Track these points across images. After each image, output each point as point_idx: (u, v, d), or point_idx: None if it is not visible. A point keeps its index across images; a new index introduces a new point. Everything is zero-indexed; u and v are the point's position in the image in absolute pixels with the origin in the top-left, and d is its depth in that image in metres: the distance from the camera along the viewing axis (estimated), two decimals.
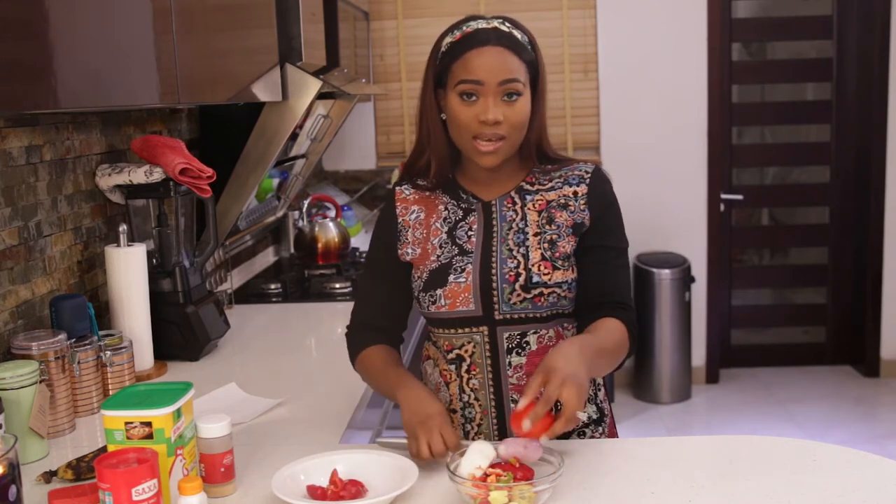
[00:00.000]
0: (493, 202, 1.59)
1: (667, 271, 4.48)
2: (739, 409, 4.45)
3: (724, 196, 4.71)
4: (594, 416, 1.63)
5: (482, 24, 1.52)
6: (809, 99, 4.84)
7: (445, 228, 1.60)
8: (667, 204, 4.64)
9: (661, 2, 4.50)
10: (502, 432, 1.58)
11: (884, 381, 4.74)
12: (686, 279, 4.53)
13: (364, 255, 3.46)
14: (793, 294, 5.04)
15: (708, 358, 4.79)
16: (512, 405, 1.57)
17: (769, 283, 5.02)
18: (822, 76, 4.76)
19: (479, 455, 1.34)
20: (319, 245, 3.33)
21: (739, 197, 4.75)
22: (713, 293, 4.75)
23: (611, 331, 1.51)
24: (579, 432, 1.62)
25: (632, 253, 4.57)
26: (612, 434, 1.68)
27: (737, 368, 4.94)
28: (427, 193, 1.63)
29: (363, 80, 3.82)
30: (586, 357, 1.38)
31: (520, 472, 1.33)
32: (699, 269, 4.68)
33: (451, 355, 1.59)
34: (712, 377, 4.80)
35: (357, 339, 1.67)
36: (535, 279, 1.53)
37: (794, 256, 5.02)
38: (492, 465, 1.34)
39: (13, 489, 1.27)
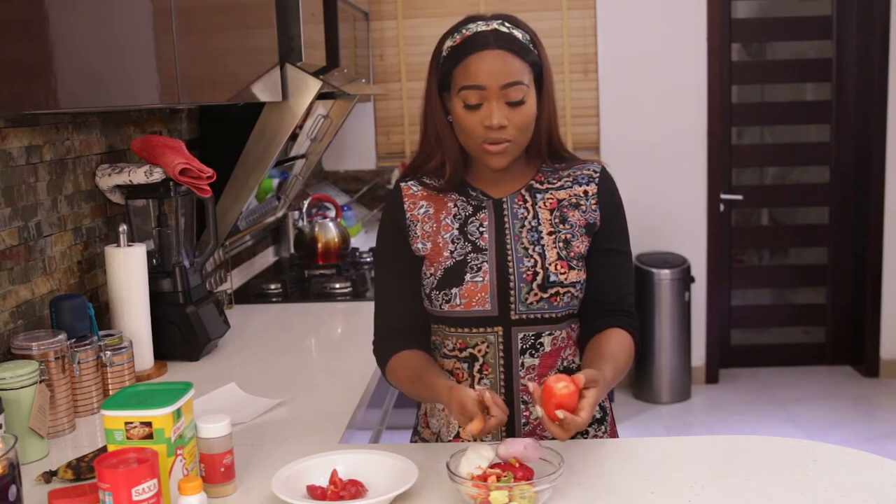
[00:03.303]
0: (504, 199, 1.59)
1: (667, 271, 4.48)
2: (739, 409, 4.45)
3: (723, 196, 4.71)
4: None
5: (482, 27, 1.50)
6: (809, 99, 4.84)
7: (456, 224, 1.58)
8: (667, 204, 4.64)
9: (661, 2, 4.50)
10: (510, 432, 1.58)
11: (883, 381, 4.74)
12: (686, 279, 4.53)
13: (364, 255, 3.49)
14: (792, 294, 5.04)
15: (708, 358, 4.79)
16: (522, 406, 1.57)
17: (769, 283, 5.02)
18: (822, 76, 4.76)
19: (478, 455, 1.34)
20: (319, 245, 3.33)
21: (739, 197, 4.75)
22: (713, 293, 4.75)
23: (625, 349, 1.53)
24: (581, 432, 1.62)
25: (632, 253, 4.57)
26: (613, 433, 1.69)
27: (737, 368, 4.94)
28: (435, 192, 1.61)
29: (363, 81, 3.82)
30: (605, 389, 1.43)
31: (520, 472, 1.33)
32: (699, 270, 4.68)
33: (463, 354, 1.57)
34: (712, 377, 4.80)
35: (384, 349, 1.61)
36: (553, 278, 1.53)
37: (793, 256, 5.03)
38: (492, 465, 1.34)
39: (13, 489, 1.28)
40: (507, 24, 1.51)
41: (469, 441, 1.58)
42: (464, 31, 1.51)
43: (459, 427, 1.61)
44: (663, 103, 4.57)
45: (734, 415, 4.39)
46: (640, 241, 4.59)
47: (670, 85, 4.55)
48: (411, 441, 1.71)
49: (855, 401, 4.51)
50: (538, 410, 1.34)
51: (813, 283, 4.97)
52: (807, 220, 4.94)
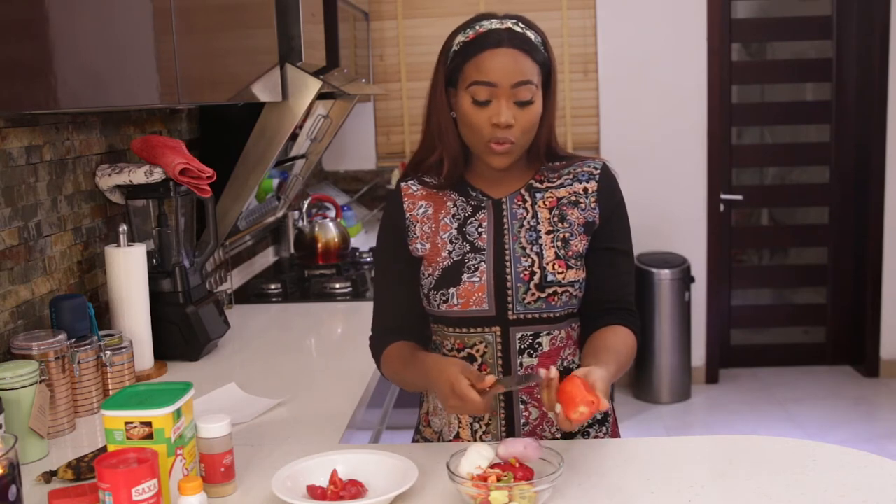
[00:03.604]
0: (503, 199, 1.59)
1: (667, 271, 4.48)
2: (739, 409, 4.45)
3: (723, 196, 4.71)
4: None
5: (496, 25, 1.50)
6: (809, 99, 4.84)
7: (455, 224, 1.58)
8: (667, 204, 4.64)
9: (661, 2, 4.50)
10: (510, 432, 1.58)
11: (883, 381, 4.74)
12: (686, 279, 4.53)
13: (364, 255, 3.49)
14: (793, 294, 5.04)
15: (708, 358, 4.79)
16: (521, 406, 1.57)
17: (769, 283, 5.02)
18: (822, 76, 4.76)
19: (478, 455, 1.34)
20: (319, 245, 3.33)
21: (739, 197, 4.75)
22: (713, 293, 4.75)
23: (627, 345, 1.53)
24: (583, 432, 1.62)
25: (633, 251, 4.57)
26: (615, 434, 1.69)
27: (737, 368, 4.94)
28: (434, 190, 1.61)
29: (363, 80, 3.82)
30: (609, 383, 1.40)
31: (520, 472, 1.33)
32: (699, 270, 4.68)
33: (461, 354, 1.58)
34: (712, 377, 4.80)
35: (379, 345, 1.64)
36: (550, 278, 1.53)
37: (793, 256, 5.02)
38: (492, 466, 1.34)
39: (13, 489, 1.28)
40: (521, 25, 1.52)
41: (470, 436, 1.58)
42: (477, 27, 1.51)
43: (459, 427, 1.61)
44: (663, 103, 4.57)
45: (734, 415, 4.39)
46: (640, 241, 4.58)
47: (670, 85, 4.55)
48: (413, 440, 1.72)
49: (855, 401, 4.51)
50: (551, 385, 1.34)
51: (813, 283, 4.97)
52: (807, 220, 4.94)
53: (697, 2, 4.50)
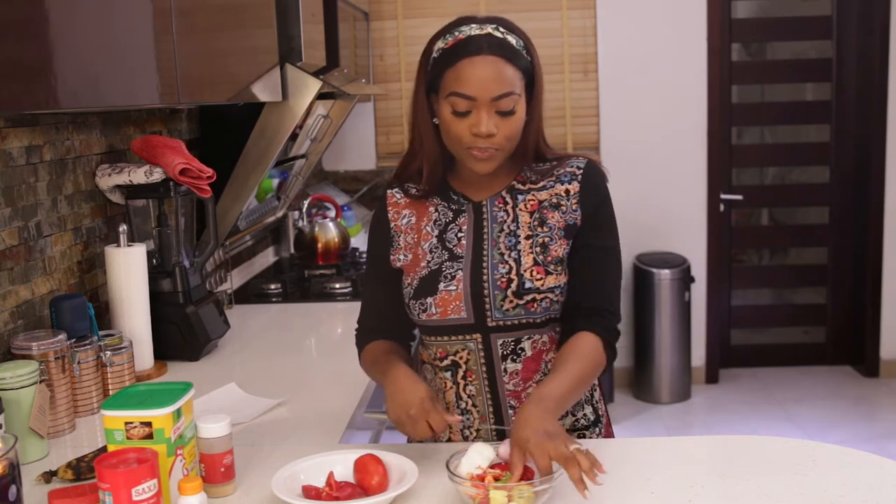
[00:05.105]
0: (484, 203, 1.56)
1: (666, 271, 4.48)
2: (739, 409, 4.45)
3: (723, 196, 4.71)
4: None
5: (475, 31, 1.45)
6: (809, 99, 4.84)
7: (436, 232, 1.57)
8: (667, 204, 4.63)
9: (661, 2, 4.50)
10: (501, 437, 1.57)
11: (883, 381, 4.74)
12: (686, 279, 4.53)
13: (363, 255, 3.49)
14: (792, 294, 5.04)
15: (707, 358, 4.79)
16: (510, 411, 1.56)
17: (769, 283, 5.02)
18: (822, 76, 4.76)
19: (478, 455, 1.34)
20: (319, 245, 3.33)
21: (739, 197, 4.75)
22: (713, 293, 4.75)
23: (582, 355, 1.47)
24: (579, 434, 1.61)
25: (632, 253, 4.58)
26: (609, 435, 1.67)
27: (736, 368, 4.94)
28: (418, 198, 1.60)
29: (363, 81, 3.82)
30: (552, 409, 1.37)
31: None
32: (699, 270, 4.68)
33: (445, 362, 1.57)
34: (712, 377, 4.80)
35: (362, 340, 1.67)
36: (528, 285, 1.49)
37: (793, 256, 5.02)
38: (491, 466, 1.34)
39: (13, 489, 1.28)
40: (501, 29, 1.46)
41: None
42: (456, 33, 1.46)
43: (450, 432, 1.60)
44: (663, 103, 4.56)
45: (734, 415, 4.39)
46: (640, 241, 4.59)
47: (670, 85, 4.55)
48: (409, 440, 1.71)
49: (855, 401, 4.51)
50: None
51: (813, 283, 4.97)
52: (807, 220, 4.94)
53: (697, 2, 4.50)
